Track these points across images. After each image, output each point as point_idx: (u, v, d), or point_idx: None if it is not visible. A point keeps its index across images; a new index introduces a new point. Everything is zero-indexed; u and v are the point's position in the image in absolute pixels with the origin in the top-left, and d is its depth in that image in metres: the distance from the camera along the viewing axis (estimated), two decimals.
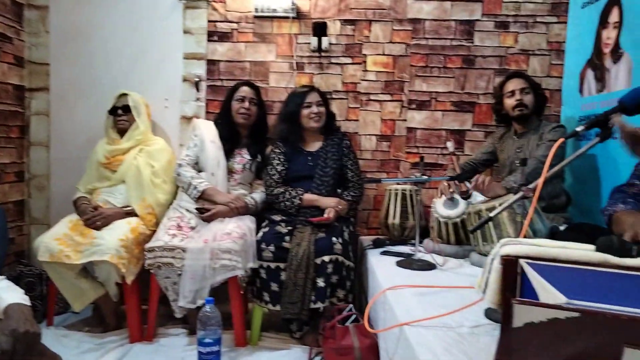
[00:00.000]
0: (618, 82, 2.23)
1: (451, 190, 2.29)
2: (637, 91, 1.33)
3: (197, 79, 2.82)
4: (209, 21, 2.83)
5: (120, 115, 2.55)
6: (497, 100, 2.53)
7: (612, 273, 0.87)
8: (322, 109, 2.55)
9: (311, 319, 2.21)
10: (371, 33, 2.84)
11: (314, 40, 2.79)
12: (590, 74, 2.50)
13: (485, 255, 1.93)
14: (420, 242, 2.19)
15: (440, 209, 2.30)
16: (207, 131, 2.54)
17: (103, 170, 2.52)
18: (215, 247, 2.12)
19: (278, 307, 2.18)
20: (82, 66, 2.82)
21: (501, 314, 0.81)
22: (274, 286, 2.20)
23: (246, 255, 2.17)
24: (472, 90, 2.84)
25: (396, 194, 2.59)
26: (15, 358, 1.21)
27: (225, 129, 2.56)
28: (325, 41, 2.79)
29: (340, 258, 2.17)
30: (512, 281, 0.90)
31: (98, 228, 2.26)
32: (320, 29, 2.76)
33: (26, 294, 1.39)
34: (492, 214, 1.39)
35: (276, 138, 2.61)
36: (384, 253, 2.32)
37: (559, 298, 0.68)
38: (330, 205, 2.37)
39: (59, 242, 2.15)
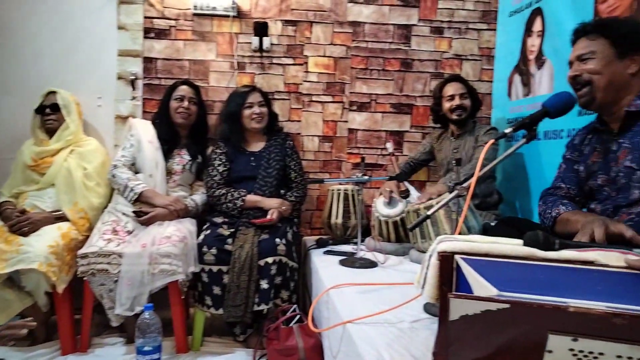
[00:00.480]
0: (542, 87, 2.39)
1: (392, 193, 2.34)
2: (558, 96, 1.43)
3: (132, 77, 2.71)
4: (145, 17, 2.73)
5: (49, 115, 2.42)
6: (435, 102, 2.61)
7: (538, 265, 0.93)
8: (264, 109, 2.53)
9: (255, 321, 2.19)
10: (312, 34, 2.86)
11: (255, 40, 2.77)
12: (517, 79, 2.65)
13: (424, 252, 1.99)
14: (362, 240, 2.22)
15: (381, 208, 2.35)
16: (144, 131, 2.45)
17: (30, 172, 2.37)
18: (154, 251, 2.05)
19: (221, 311, 2.14)
20: (7, 62, 2.63)
21: (439, 308, 0.84)
22: (217, 290, 2.16)
23: (187, 259, 2.11)
24: (410, 93, 2.93)
25: (338, 194, 2.62)
26: None
27: (163, 128, 2.48)
28: (266, 41, 2.78)
29: (284, 259, 2.16)
30: (449, 276, 0.93)
31: (25, 234, 2.11)
32: (261, 29, 2.75)
33: None
34: (429, 212, 1.44)
35: (217, 138, 2.56)
36: (327, 253, 2.34)
37: (491, 291, 0.72)
38: (274, 206, 2.36)
39: None
